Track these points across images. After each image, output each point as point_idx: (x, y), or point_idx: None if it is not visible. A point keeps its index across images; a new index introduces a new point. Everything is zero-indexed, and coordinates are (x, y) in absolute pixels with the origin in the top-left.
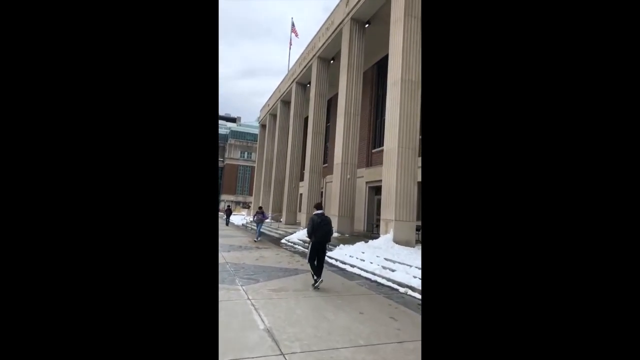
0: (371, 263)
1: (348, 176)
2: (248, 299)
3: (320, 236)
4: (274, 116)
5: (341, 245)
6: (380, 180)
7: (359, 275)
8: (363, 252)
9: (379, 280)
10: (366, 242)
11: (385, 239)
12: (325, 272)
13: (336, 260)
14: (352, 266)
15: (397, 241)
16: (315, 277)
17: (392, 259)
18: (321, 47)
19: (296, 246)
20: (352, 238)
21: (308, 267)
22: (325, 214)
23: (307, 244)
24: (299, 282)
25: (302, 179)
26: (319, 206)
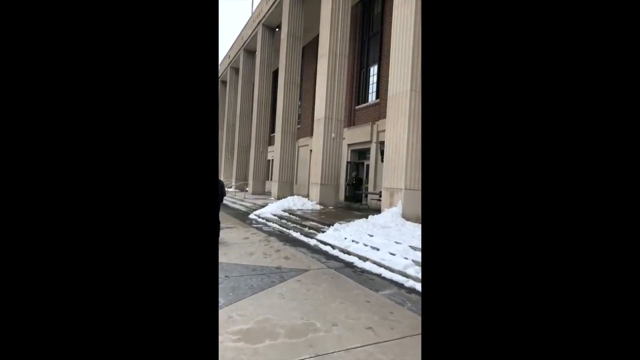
0: (393, 255)
1: (332, 135)
2: None
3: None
4: (235, 70)
5: (336, 225)
6: (365, 142)
7: (381, 276)
8: (371, 235)
9: (419, 287)
10: (366, 218)
11: (391, 215)
12: (328, 271)
13: (333, 247)
14: (363, 259)
15: (407, 217)
16: None
17: None
18: None
19: (270, 223)
20: (342, 212)
21: (299, 262)
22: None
23: (282, 220)
24: (294, 303)
25: (270, 144)
26: None
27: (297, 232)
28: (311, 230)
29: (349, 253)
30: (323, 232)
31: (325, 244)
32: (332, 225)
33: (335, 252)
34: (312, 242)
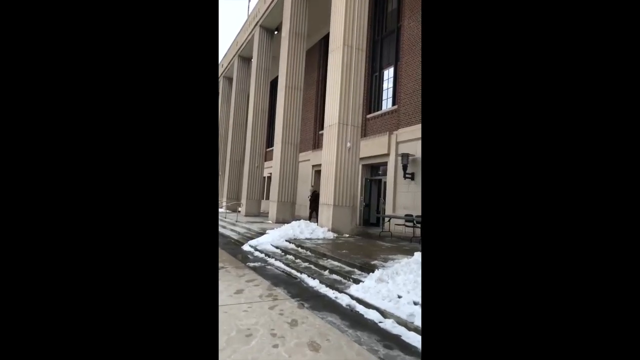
0: None
1: (348, 144)
2: None
3: None
4: (229, 80)
5: (379, 273)
6: (380, 155)
7: None
8: None
9: None
10: (410, 255)
11: None
12: None
13: (384, 314)
14: None
15: None
16: None
17: None
18: None
19: (271, 260)
20: (365, 243)
21: None
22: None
23: (289, 255)
24: None
25: (267, 159)
26: None
27: (313, 277)
28: (334, 276)
29: (417, 331)
30: (355, 281)
31: (368, 306)
32: (372, 272)
33: (391, 326)
34: (344, 299)
